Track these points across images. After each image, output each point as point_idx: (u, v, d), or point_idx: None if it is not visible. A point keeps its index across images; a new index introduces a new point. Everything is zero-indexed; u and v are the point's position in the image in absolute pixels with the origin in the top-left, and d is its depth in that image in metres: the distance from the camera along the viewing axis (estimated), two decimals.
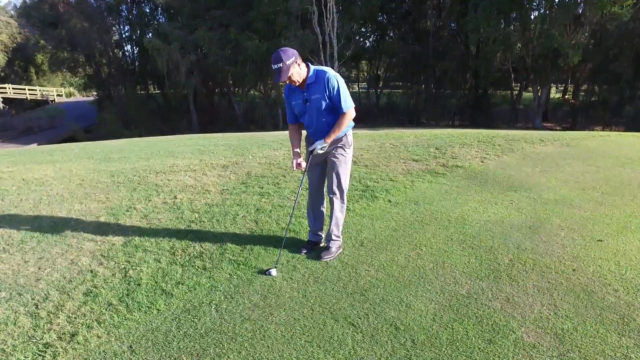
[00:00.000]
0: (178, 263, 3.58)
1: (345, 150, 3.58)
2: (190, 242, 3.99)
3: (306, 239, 3.96)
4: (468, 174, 6.16)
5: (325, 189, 3.73)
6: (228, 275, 3.36)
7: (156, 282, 3.27)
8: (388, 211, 4.74)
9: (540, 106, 28.21)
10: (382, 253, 3.71)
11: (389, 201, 5.09)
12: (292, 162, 3.59)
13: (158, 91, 39.86)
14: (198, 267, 3.51)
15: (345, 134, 3.55)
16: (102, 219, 4.74)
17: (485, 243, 3.88)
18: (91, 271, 3.49)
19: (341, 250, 3.76)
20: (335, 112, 3.42)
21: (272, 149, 8.55)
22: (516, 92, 32.04)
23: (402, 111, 34.82)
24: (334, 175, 3.58)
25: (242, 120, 31.28)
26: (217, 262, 3.58)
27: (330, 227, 3.71)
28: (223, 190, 5.74)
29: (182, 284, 3.23)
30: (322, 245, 3.89)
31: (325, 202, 3.83)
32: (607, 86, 27.42)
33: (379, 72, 37.76)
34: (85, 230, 4.39)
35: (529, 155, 7.13)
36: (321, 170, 3.67)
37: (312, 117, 3.46)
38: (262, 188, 5.76)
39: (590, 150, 7.42)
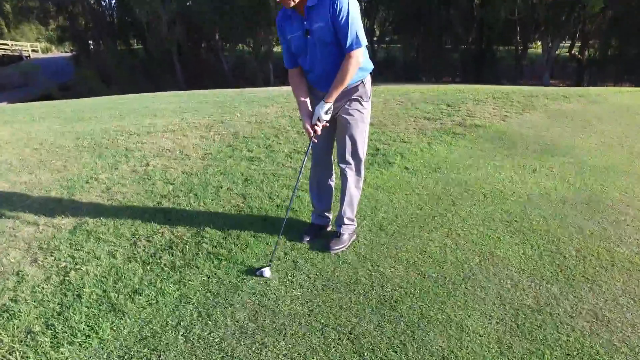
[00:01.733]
0: (139, 259, 2.59)
1: (361, 104, 2.50)
2: (159, 227, 2.99)
3: (309, 221, 2.99)
4: (490, 135, 5.16)
5: (334, 157, 2.73)
6: (205, 278, 2.39)
7: (104, 292, 2.28)
8: (406, 181, 3.76)
9: (550, 61, 26.33)
10: (409, 241, 2.76)
11: (406, 168, 4.09)
12: (305, 125, 2.43)
13: (140, 46, 36.31)
14: (165, 264, 2.52)
15: (362, 81, 2.46)
16: (52, 194, 3.69)
17: (538, 226, 2.94)
18: (18, 273, 2.48)
19: (355, 236, 2.80)
20: (343, 53, 2.30)
21: (262, 106, 7.41)
22: (521, 47, 30.07)
23: (399, 67, 32.95)
24: (347, 139, 2.53)
25: (230, 76, 29.29)
26: (191, 256, 2.60)
27: (341, 208, 2.71)
28: (205, 154, 4.69)
29: (140, 294, 2.25)
30: (329, 229, 2.93)
31: (334, 174, 2.83)
32: (626, 38, 24.48)
33: (374, 26, 35.49)
34: (28, 209, 3.34)
35: (554, 114, 6.12)
36: (328, 132, 2.58)
37: (315, 56, 2.34)
38: (251, 152, 4.72)
39: (622, 108, 6.42)
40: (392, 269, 2.47)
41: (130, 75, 28.20)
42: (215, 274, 2.43)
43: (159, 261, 2.55)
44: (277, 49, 31.28)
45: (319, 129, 2.39)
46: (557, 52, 27.74)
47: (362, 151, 2.59)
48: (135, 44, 37.73)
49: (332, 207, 2.90)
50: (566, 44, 31.01)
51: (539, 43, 29.78)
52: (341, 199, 2.70)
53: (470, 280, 2.36)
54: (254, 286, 2.33)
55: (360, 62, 2.29)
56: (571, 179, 3.80)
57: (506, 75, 27.56)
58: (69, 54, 37.63)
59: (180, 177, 4.00)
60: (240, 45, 33.13)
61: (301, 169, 2.50)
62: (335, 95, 2.32)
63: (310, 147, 2.50)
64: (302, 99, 2.45)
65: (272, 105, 7.49)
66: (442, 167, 4.09)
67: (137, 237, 2.86)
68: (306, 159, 2.49)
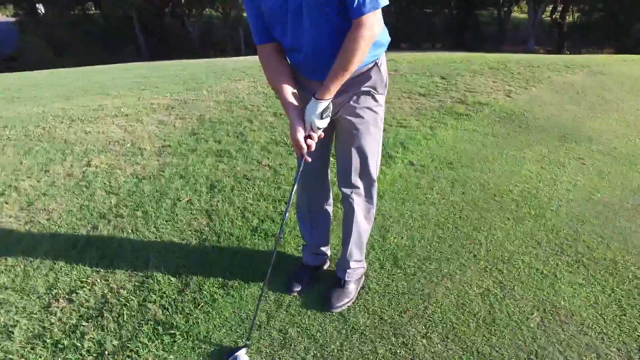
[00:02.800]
0: (47, 340, 1.71)
1: (375, 99, 1.61)
2: (89, 272, 2.09)
3: (296, 255, 2.16)
4: (499, 116, 4.37)
5: (331, 175, 1.87)
6: None
7: None
8: (415, 183, 2.95)
9: (536, 26, 25.40)
10: (437, 285, 1.97)
11: (411, 163, 3.27)
12: (295, 136, 1.48)
13: (97, 11, 31.60)
14: (88, 351, 1.66)
15: (376, 63, 1.56)
16: None
17: (599, 252, 2.21)
18: None
19: (363, 279, 2.00)
20: (346, 19, 1.39)
21: (232, 80, 6.35)
22: (504, 10, 28.73)
23: None
24: (355, 153, 1.65)
25: (198, 44, 27.01)
26: (130, 330, 1.75)
27: (346, 250, 1.85)
28: (163, 147, 3.72)
29: None
30: (326, 267, 2.11)
31: (331, 195, 1.98)
32: (619, 2, 22.87)
33: None
34: None
35: (561, 88, 5.36)
36: (322, 141, 1.62)
37: (301, 27, 1.43)
38: (219, 142, 3.78)
39: (632, 79, 5.72)
40: (424, 339, 1.69)
41: (85, 44, 24.60)
42: None
43: (78, 344, 1.67)
44: None
45: (313, 142, 1.49)
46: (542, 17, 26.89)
47: (375, 168, 1.72)
48: (92, 9, 33.72)
49: (330, 237, 2.07)
50: (548, 9, 30.07)
51: (523, 6, 28.57)
52: (345, 237, 1.85)
53: (538, 359, 1.61)
54: None
55: (375, 34, 1.37)
56: (610, 174, 3.08)
57: (489, 41, 26.44)
58: (13, 19, 31.43)
59: (128, 182, 3.06)
60: (207, 9, 30.76)
61: (289, 200, 1.59)
62: (336, 88, 1.42)
63: (300, 169, 1.57)
64: (286, 92, 1.50)
65: (244, 79, 6.44)
66: (454, 162, 3.28)
67: (53, 293, 1.96)
68: (296, 185, 1.60)
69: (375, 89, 1.57)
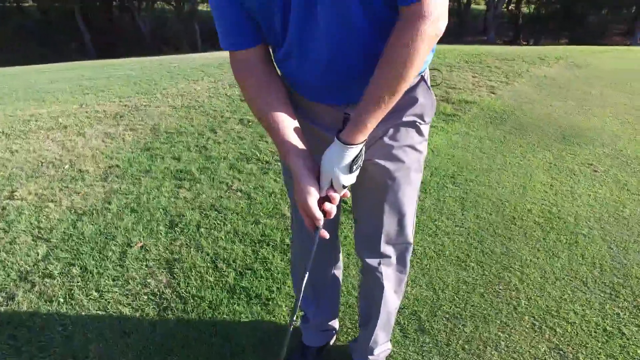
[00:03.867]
0: None
1: (421, 134, 1.03)
2: None
3: (285, 324, 1.61)
4: (488, 115, 3.96)
5: (340, 237, 1.29)
6: None
7: None
8: (419, 205, 2.46)
9: (497, 17, 25.10)
10: (480, 357, 1.49)
11: None
12: (304, 199, 0.86)
13: (33, 3, 27.60)
14: None
15: (422, 77, 0.98)
16: None
17: None
18: None
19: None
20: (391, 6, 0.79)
21: (190, 81, 5.62)
22: (464, 2, 28.81)
23: None
24: (388, 211, 1.08)
25: (150, 40, 25.24)
26: None
27: (370, 335, 1.31)
28: (110, 168, 3.03)
29: None
30: (332, 342, 1.56)
31: (341, 257, 1.42)
32: None
33: None
34: None
35: (542, 82, 5.05)
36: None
37: (314, 20, 0.81)
38: (178, 160, 3.13)
39: (608, 72, 5.51)
40: None
41: (20, 40, 21.65)
42: None
43: None
44: (203, 6, 27.89)
45: (334, 207, 0.90)
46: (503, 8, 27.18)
47: (412, 226, 1.17)
48: (29, 1, 30.33)
49: (339, 306, 1.52)
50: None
51: None
52: (366, 317, 1.30)
53: None
54: None
55: (440, 31, 0.78)
56: (627, 183, 2.72)
57: (452, 33, 26.51)
58: None
59: (63, 221, 2.36)
60: (159, 3, 28.96)
61: (301, 287, 0.89)
62: (375, 121, 0.84)
63: (314, 248, 0.91)
64: (284, 125, 0.91)
65: (203, 79, 5.73)
66: (456, 175, 2.82)
67: None
68: (307, 276, 0.99)
69: (422, 117, 1.01)
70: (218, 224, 2.26)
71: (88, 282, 1.87)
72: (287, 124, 0.90)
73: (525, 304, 1.72)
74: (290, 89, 0.98)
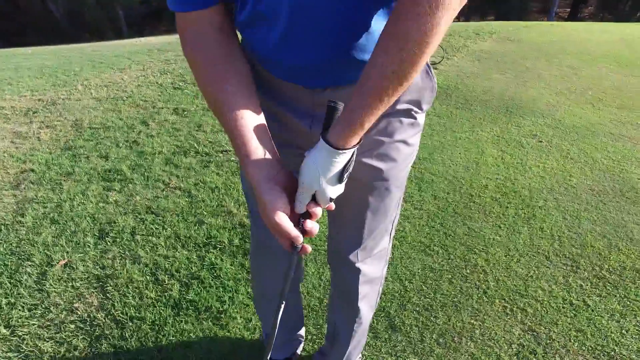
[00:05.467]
0: None
1: (414, 125, 0.83)
2: None
3: (252, 339, 1.40)
4: None
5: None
6: None
7: None
8: None
9: None
10: (457, 350, 1.36)
11: None
12: (272, 219, 0.64)
13: None
14: None
15: (429, 72, 0.79)
16: None
17: (614, 259, 1.79)
18: None
19: None
20: None
21: (116, 69, 5.08)
22: None
23: None
24: (372, 214, 0.89)
25: (67, 25, 22.87)
26: None
27: (344, 348, 1.13)
28: (22, 173, 2.60)
29: None
30: (299, 351, 1.39)
31: (303, 274, 1.21)
32: None
33: None
34: None
35: (480, 56, 5.11)
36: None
37: None
38: (106, 158, 2.76)
39: (540, 45, 5.71)
40: None
41: None
42: None
43: None
44: None
45: (315, 225, 0.68)
46: None
47: (395, 224, 1.00)
48: None
49: (303, 315, 1.34)
50: None
51: None
52: (338, 328, 1.12)
53: None
54: None
55: (453, 12, 0.55)
56: (570, 151, 2.78)
57: None
58: None
59: None
60: None
61: (278, 318, 0.70)
62: (374, 117, 0.61)
63: (292, 272, 0.69)
64: (243, 118, 0.66)
65: (130, 67, 5.21)
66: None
67: None
68: (283, 306, 0.72)
69: (419, 104, 0.81)
70: (156, 228, 1.98)
71: None
72: (248, 121, 0.67)
73: (494, 286, 1.65)
74: (255, 63, 0.75)
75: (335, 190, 0.67)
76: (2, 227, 2.08)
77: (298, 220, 0.67)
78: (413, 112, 0.80)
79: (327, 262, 1.11)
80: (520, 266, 1.76)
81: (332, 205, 0.69)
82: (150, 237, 1.93)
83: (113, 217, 2.10)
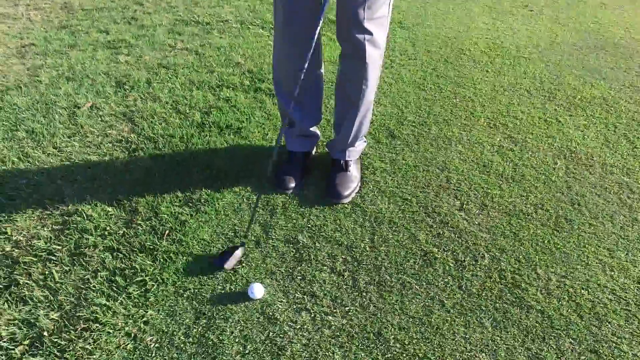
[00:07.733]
0: None
1: None
2: None
3: (269, 146, 1.64)
4: None
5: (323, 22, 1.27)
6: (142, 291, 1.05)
7: None
8: None
9: None
10: (447, 149, 1.62)
11: None
12: None
13: None
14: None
15: None
16: None
17: (586, 92, 2.02)
18: None
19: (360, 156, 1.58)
20: None
21: None
22: None
23: None
24: None
25: None
26: (72, 299, 1.17)
27: (352, 123, 1.36)
28: (23, 47, 2.63)
29: None
30: (314, 152, 1.63)
31: (322, 56, 1.43)
32: None
33: None
34: None
35: None
36: None
37: None
38: (107, 33, 2.79)
39: None
40: (462, 212, 1.37)
41: None
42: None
43: None
44: None
45: None
46: None
47: (391, 7, 1.22)
48: None
49: (321, 115, 1.56)
50: None
51: None
52: (346, 106, 1.34)
53: (582, 206, 1.41)
54: (215, 311, 1.06)
55: None
56: (559, 18, 2.91)
57: None
58: None
59: None
60: None
61: (295, 89, 0.86)
62: None
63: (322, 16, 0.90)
64: None
65: None
66: (402, 21, 2.82)
67: None
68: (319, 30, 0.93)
69: None
70: (170, 77, 2.14)
71: (41, 142, 1.74)
72: None
73: (480, 110, 1.89)
74: None
75: None
76: (22, 85, 2.20)
77: None
78: None
79: (336, 38, 1.28)
80: (504, 97, 1.98)
81: None
82: (166, 84, 2.09)
83: (127, 72, 2.23)
